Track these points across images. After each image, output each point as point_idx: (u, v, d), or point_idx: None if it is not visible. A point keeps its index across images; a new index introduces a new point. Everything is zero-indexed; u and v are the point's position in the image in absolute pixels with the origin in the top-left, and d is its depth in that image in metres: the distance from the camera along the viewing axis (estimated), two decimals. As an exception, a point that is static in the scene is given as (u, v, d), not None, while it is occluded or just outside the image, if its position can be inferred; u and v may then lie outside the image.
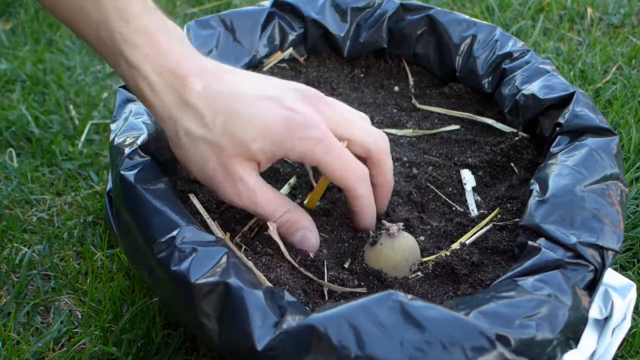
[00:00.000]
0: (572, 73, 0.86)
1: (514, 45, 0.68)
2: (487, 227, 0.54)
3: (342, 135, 0.49)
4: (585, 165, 0.49)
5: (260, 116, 0.46)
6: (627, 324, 0.48)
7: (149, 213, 0.45)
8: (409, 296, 0.39)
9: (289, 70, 0.74)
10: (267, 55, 0.73)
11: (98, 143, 0.79)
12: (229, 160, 0.46)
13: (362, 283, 0.49)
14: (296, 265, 0.49)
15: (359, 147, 0.50)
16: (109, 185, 0.57)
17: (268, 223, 0.49)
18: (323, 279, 0.48)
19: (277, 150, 0.46)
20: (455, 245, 0.52)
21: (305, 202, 0.55)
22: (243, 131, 0.45)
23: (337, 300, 0.47)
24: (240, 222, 0.53)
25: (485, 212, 0.56)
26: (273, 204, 0.48)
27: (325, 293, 0.48)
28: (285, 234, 0.50)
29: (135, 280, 0.57)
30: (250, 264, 0.46)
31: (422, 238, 0.54)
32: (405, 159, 0.63)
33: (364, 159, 0.51)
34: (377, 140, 0.51)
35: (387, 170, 0.52)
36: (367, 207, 0.51)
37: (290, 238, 0.50)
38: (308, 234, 0.50)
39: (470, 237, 0.53)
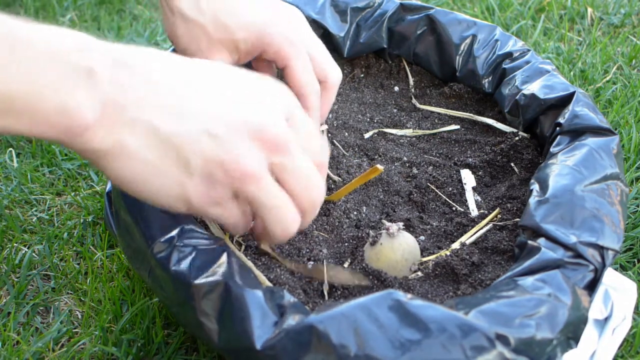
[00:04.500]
0: (572, 73, 0.86)
1: (514, 45, 0.67)
2: (487, 227, 0.54)
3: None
4: (585, 165, 0.49)
5: (250, 7, 0.52)
6: (627, 324, 0.48)
7: (148, 213, 0.45)
8: (409, 295, 0.39)
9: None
10: (267, 55, 0.73)
11: (98, 143, 0.79)
12: (211, 44, 0.51)
13: (362, 283, 0.49)
14: (294, 269, 0.49)
15: (318, 67, 0.55)
16: (109, 186, 0.57)
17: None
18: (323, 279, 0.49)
19: (257, 42, 0.52)
20: (455, 245, 0.52)
21: (330, 196, 0.56)
22: (230, 20, 0.51)
23: (337, 300, 0.47)
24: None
25: (485, 212, 0.56)
26: None
27: (325, 293, 0.48)
28: None
29: (135, 280, 0.57)
30: (249, 263, 0.46)
31: (422, 238, 0.54)
32: (405, 159, 0.63)
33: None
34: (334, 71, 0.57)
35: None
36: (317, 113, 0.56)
37: None
38: None
39: (470, 237, 0.53)
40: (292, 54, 0.53)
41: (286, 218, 0.41)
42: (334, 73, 0.56)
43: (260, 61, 0.58)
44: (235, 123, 0.38)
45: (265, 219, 0.41)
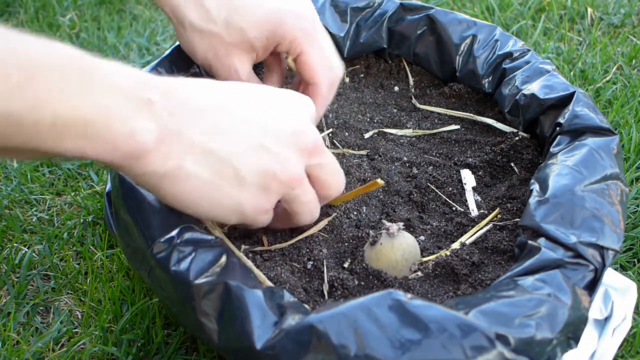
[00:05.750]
0: (572, 73, 0.86)
1: (514, 45, 0.67)
2: (487, 227, 0.54)
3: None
4: (585, 165, 0.49)
5: (259, 7, 0.52)
6: (627, 324, 0.48)
7: (148, 213, 0.45)
8: (409, 295, 0.39)
9: (289, 71, 0.74)
10: (267, 56, 0.73)
11: (98, 143, 0.79)
12: (227, 49, 0.53)
13: (362, 283, 0.49)
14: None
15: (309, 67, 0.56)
16: (109, 186, 0.57)
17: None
18: (323, 279, 0.48)
19: (271, 37, 0.53)
20: (455, 245, 0.52)
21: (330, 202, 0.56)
22: (242, 21, 0.52)
23: (337, 300, 0.47)
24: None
25: (485, 212, 0.56)
26: None
27: (325, 292, 0.48)
28: None
29: (135, 280, 0.57)
30: (249, 263, 0.46)
31: (422, 238, 0.54)
32: (405, 159, 0.63)
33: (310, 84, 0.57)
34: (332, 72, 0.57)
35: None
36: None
37: None
38: None
39: (470, 237, 0.53)
40: (306, 42, 0.54)
41: (316, 209, 0.48)
42: (339, 69, 0.57)
43: (270, 55, 0.59)
44: (279, 135, 0.42)
45: (298, 211, 0.46)
